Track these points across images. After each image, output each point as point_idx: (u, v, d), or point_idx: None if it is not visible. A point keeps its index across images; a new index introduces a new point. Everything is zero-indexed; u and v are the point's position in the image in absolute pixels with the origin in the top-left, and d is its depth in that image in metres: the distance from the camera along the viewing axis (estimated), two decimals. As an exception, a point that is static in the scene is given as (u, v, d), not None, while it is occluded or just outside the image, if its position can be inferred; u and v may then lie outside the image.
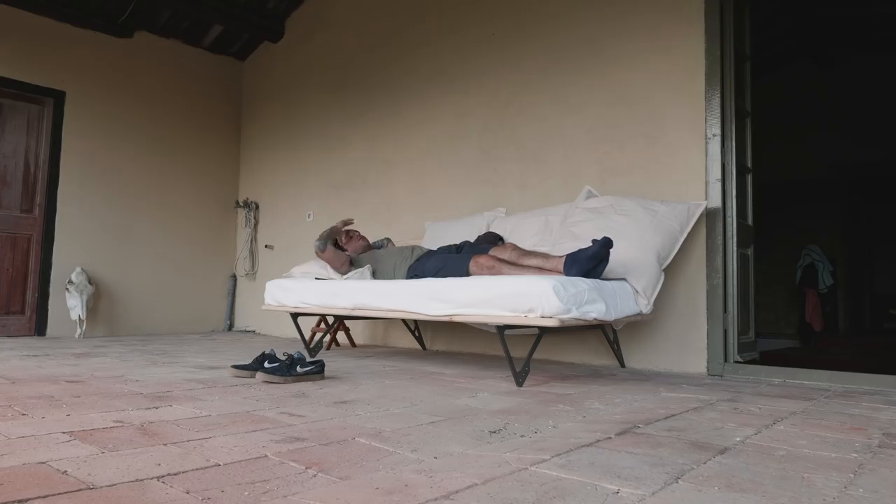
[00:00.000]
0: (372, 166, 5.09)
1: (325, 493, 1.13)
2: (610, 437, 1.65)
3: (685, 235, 3.09)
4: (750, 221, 3.61)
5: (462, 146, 4.46)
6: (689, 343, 3.27)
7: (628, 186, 3.56)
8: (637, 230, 3.03)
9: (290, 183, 5.85)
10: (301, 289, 3.69)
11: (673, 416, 1.99)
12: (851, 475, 1.32)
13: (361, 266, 3.77)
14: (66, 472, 1.22)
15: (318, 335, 4.67)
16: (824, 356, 4.72)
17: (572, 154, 3.84)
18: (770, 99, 7.19)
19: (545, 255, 2.97)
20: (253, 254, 6.16)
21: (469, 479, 1.23)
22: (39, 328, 5.08)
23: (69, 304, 5.04)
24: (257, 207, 6.19)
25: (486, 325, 3.25)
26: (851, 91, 6.96)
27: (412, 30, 4.91)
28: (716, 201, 3.23)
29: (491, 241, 3.54)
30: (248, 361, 3.17)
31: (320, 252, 3.76)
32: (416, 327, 4.45)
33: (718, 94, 3.27)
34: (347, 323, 4.92)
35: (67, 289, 5.04)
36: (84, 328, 5.02)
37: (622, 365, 3.42)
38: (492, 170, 4.26)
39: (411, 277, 3.48)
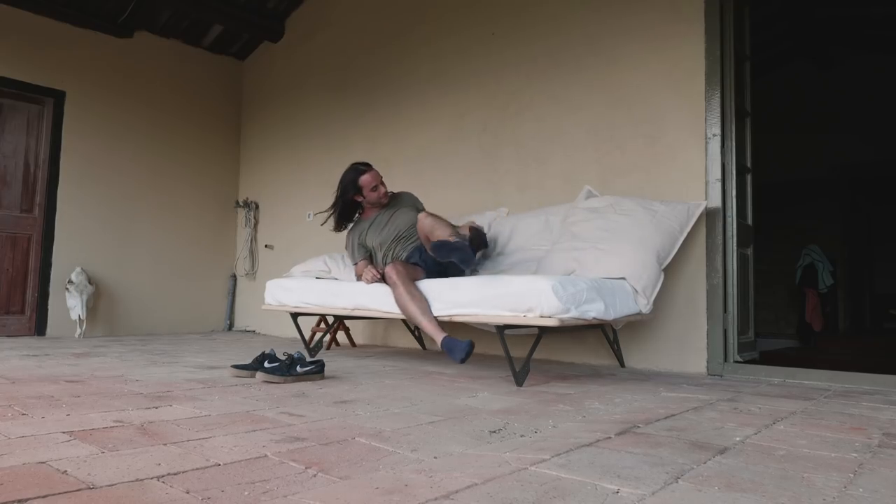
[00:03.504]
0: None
1: (325, 492, 1.13)
2: (610, 437, 1.65)
3: (685, 235, 3.09)
4: (750, 221, 3.62)
5: (462, 146, 4.46)
6: (688, 343, 3.27)
7: (628, 186, 3.56)
8: (637, 230, 3.04)
9: (290, 183, 5.85)
10: (301, 288, 3.69)
11: (673, 415, 2.00)
12: (851, 475, 1.32)
13: (366, 241, 3.60)
14: (66, 472, 1.22)
15: (318, 335, 4.67)
16: (824, 356, 4.72)
17: (572, 154, 3.84)
18: (770, 99, 7.19)
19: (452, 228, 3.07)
20: (253, 254, 6.16)
21: (469, 479, 1.23)
22: (39, 328, 5.08)
23: (69, 303, 5.04)
24: (257, 207, 6.19)
25: (485, 324, 3.25)
26: (851, 91, 6.96)
27: (412, 30, 4.91)
28: (716, 201, 3.23)
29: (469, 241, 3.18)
30: (248, 361, 3.17)
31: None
32: (416, 327, 4.45)
33: (718, 94, 3.27)
34: (347, 323, 4.91)
35: (67, 289, 5.04)
36: (84, 328, 5.02)
37: (622, 365, 3.42)
38: (492, 170, 4.26)
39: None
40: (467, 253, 2.85)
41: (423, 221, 3.14)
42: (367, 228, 3.61)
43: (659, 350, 3.37)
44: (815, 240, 6.87)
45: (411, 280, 3.06)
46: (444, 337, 2.81)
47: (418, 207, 3.71)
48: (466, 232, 3.06)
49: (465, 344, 2.69)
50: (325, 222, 3.73)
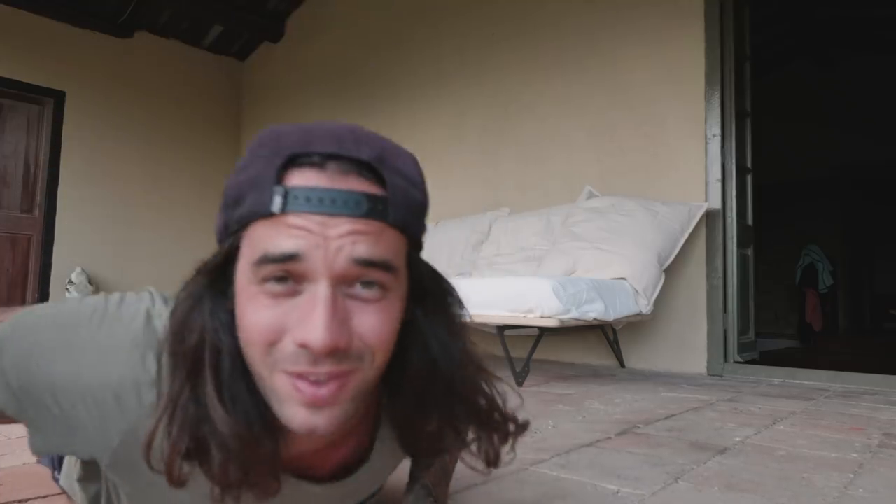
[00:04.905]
0: (372, 166, 5.09)
1: (325, 493, 1.13)
2: (610, 437, 1.65)
3: (686, 236, 3.09)
4: (750, 221, 3.61)
5: (462, 146, 4.45)
6: (688, 343, 3.27)
7: (629, 186, 3.55)
8: (638, 230, 3.03)
9: (290, 183, 5.85)
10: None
11: (673, 416, 1.99)
12: (851, 475, 1.32)
13: None
14: (66, 472, 1.22)
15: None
16: (824, 356, 4.72)
17: (573, 154, 3.84)
18: (770, 99, 7.18)
19: None
20: (253, 254, 6.16)
21: (469, 479, 1.23)
22: (39, 328, 5.07)
23: (69, 304, 5.04)
24: (257, 207, 6.18)
25: (485, 325, 3.25)
26: (851, 91, 6.96)
27: (412, 30, 4.91)
28: (716, 201, 3.23)
29: None
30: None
31: None
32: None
33: (718, 94, 3.27)
34: (347, 323, 4.91)
35: (67, 289, 5.04)
36: (84, 328, 5.01)
37: (622, 365, 3.42)
38: (492, 170, 4.26)
39: None
40: None
41: None
42: None
43: (659, 350, 3.37)
44: (815, 240, 6.87)
45: None
46: None
47: None
48: None
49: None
50: None
